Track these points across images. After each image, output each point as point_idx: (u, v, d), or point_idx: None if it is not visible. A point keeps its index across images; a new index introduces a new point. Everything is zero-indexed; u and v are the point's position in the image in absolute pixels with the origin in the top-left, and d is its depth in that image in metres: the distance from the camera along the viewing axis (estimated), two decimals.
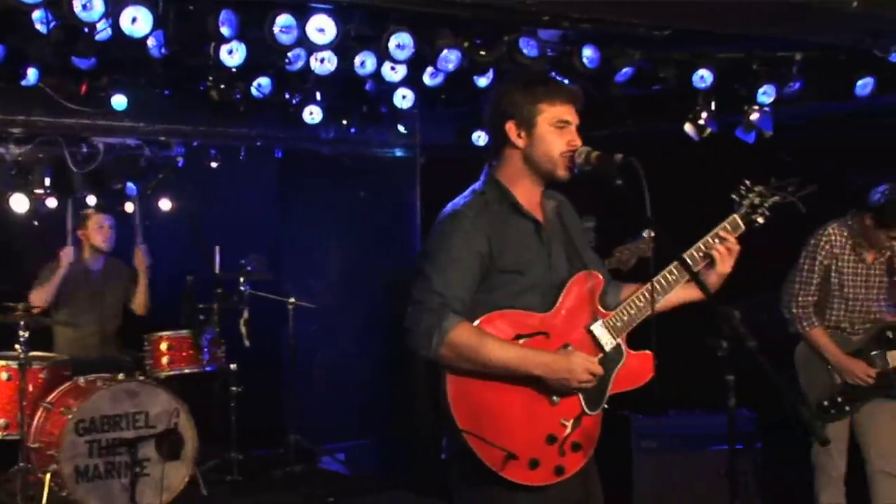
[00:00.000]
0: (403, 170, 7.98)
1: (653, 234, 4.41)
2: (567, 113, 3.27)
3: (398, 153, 8.10)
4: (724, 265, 3.43)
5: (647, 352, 3.39)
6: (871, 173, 6.85)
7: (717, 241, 3.44)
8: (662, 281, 3.38)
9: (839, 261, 5.30)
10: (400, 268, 7.56)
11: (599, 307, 3.36)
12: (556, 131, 3.25)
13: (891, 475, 5.26)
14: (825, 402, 5.31)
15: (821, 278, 5.30)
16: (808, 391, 5.35)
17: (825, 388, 5.33)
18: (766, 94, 6.26)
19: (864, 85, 6.18)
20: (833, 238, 5.31)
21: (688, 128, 6.65)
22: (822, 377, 5.33)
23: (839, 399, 5.31)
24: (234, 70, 5.53)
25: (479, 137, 7.49)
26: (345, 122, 7.17)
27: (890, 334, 5.32)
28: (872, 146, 6.87)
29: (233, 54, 5.35)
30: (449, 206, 3.30)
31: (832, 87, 6.36)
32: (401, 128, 7.47)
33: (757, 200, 3.55)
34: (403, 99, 6.53)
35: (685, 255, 3.38)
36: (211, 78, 5.87)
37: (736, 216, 3.52)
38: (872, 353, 5.29)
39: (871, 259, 5.30)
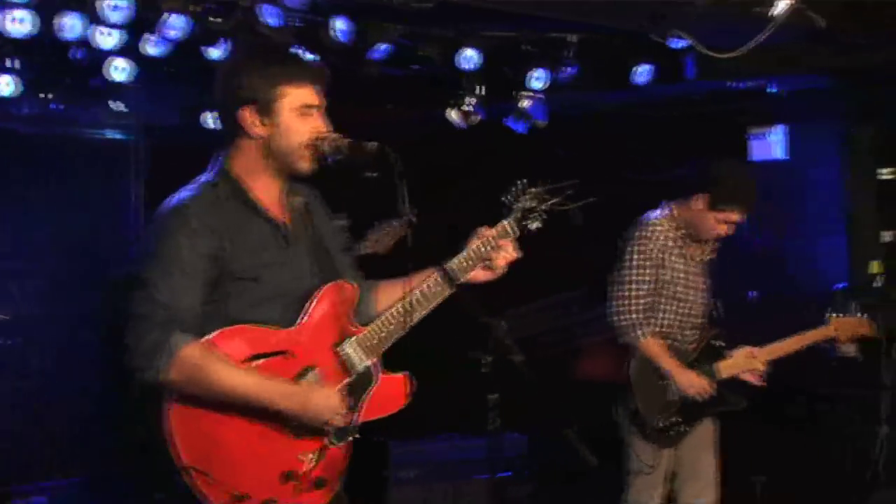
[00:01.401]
0: (121, 155, 7.72)
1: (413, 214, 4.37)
2: (312, 96, 3.25)
3: (114, 135, 7.82)
4: (492, 274, 3.50)
5: (402, 374, 3.41)
6: (648, 169, 7.25)
7: (485, 248, 3.50)
8: (422, 294, 3.40)
9: (669, 254, 5.32)
10: (117, 272, 7.31)
11: (351, 323, 3.36)
12: (300, 118, 3.22)
13: None
14: (662, 424, 5.29)
15: (652, 276, 5.30)
16: (645, 412, 5.27)
17: (661, 407, 5.30)
18: (538, 80, 6.45)
19: (643, 72, 6.46)
20: (660, 228, 5.32)
21: (452, 114, 6.76)
22: (658, 394, 5.30)
23: (678, 419, 5.32)
24: None
25: (210, 119, 7.34)
26: (47, 95, 6.84)
27: (717, 343, 5.43)
28: (650, 139, 7.26)
29: None
30: (172, 199, 3.21)
31: (609, 73, 6.63)
32: (117, 105, 7.21)
33: (531, 204, 3.61)
34: (120, 71, 6.29)
35: (450, 265, 3.42)
36: None
37: (507, 221, 3.58)
38: (704, 365, 5.36)
39: (695, 256, 5.39)
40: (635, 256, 5.29)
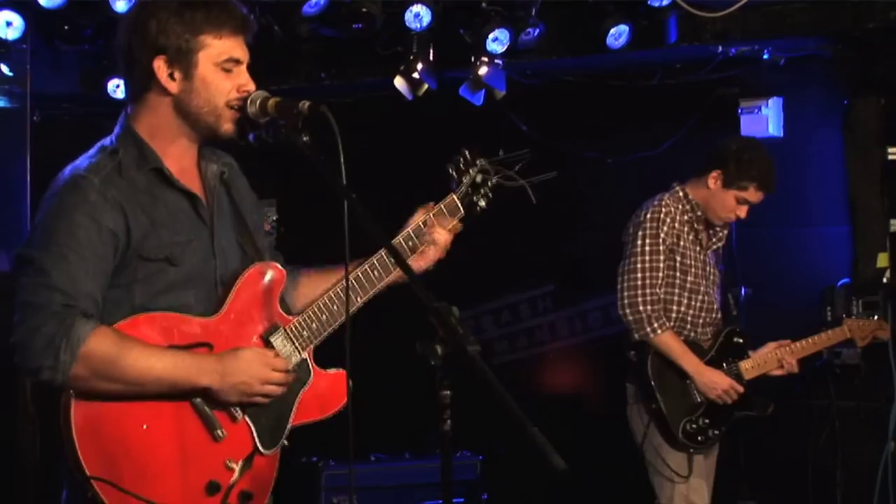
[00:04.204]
0: (7, 127, 7.64)
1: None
2: (237, 48, 3.27)
3: None
4: (436, 254, 3.57)
5: (340, 370, 3.44)
6: (620, 147, 7.31)
7: (430, 226, 3.57)
8: (362, 277, 3.45)
9: (681, 240, 5.49)
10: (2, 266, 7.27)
11: (280, 310, 3.39)
12: (222, 73, 3.24)
13: None
14: (690, 427, 5.43)
15: (666, 263, 5.46)
16: (669, 415, 5.42)
17: (688, 409, 5.46)
18: (497, 42, 6.47)
19: (618, 34, 6.50)
20: (672, 210, 5.48)
21: (399, 82, 6.76)
22: (682, 395, 5.46)
23: (705, 421, 5.46)
24: None
25: (118, 88, 7.31)
26: None
27: (738, 340, 5.62)
28: (625, 112, 7.30)
29: None
30: (67, 169, 3.22)
31: (579, 35, 6.67)
32: (3, 67, 7.15)
33: (479, 178, 3.67)
34: (7, 27, 6.25)
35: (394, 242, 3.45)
36: None
37: (454, 196, 3.64)
38: (725, 365, 5.54)
39: (705, 243, 5.59)
40: (647, 242, 5.44)
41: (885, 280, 6.52)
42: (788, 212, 6.86)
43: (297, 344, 3.36)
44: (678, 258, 5.50)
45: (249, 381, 3.18)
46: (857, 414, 6.60)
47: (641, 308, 5.40)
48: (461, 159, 3.68)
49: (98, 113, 7.31)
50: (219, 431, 3.21)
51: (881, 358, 6.35)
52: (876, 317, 6.07)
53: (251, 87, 3.27)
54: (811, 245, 6.95)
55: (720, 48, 6.69)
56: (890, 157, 6.61)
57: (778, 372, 5.68)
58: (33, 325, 3.04)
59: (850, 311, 6.39)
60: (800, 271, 6.91)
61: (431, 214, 3.59)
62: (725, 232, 5.70)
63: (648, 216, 5.48)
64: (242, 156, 3.48)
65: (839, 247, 6.82)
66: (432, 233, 3.56)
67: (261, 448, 3.29)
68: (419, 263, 3.55)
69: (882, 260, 6.62)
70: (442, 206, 3.62)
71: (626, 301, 5.44)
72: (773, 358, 5.63)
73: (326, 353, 3.48)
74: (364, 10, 6.24)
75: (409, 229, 3.56)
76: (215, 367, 3.16)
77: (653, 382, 5.43)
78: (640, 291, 5.41)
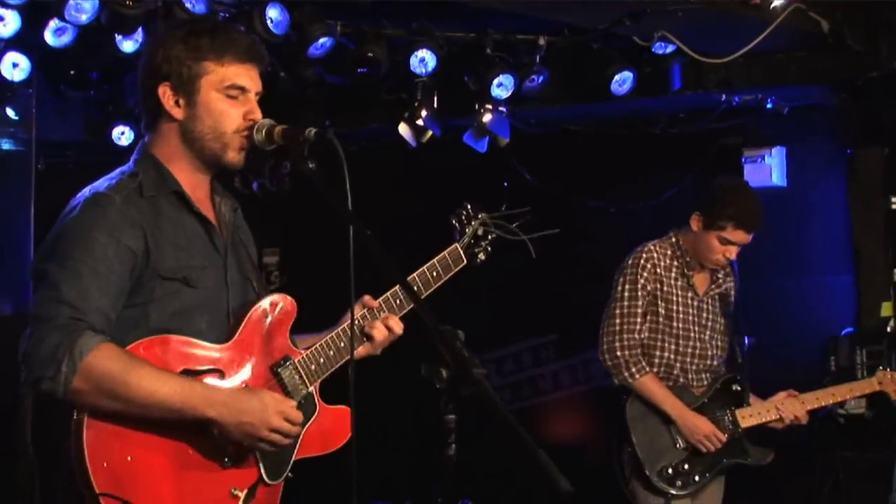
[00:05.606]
0: (12, 171, 7.61)
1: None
2: (243, 75, 3.26)
3: (3, 146, 7.73)
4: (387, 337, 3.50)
5: (344, 407, 3.39)
6: (623, 196, 7.27)
7: (441, 269, 3.59)
8: (369, 316, 3.45)
9: (665, 285, 5.44)
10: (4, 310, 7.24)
11: (290, 343, 3.37)
12: (226, 101, 3.24)
13: None
14: (668, 471, 5.34)
15: (646, 308, 5.42)
16: (646, 459, 5.33)
17: (667, 454, 5.37)
18: (502, 87, 6.46)
19: (622, 81, 6.50)
20: (655, 256, 5.44)
21: (403, 129, 6.74)
22: (662, 439, 5.38)
23: (685, 467, 5.37)
24: None
25: (123, 135, 7.27)
26: None
27: (736, 388, 5.52)
28: (628, 160, 7.28)
29: None
30: (87, 189, 3.22)
31: (583, 81, 6.68)
32: (9, 111, 7.12)
33: (480, 231, 3.71)
34: (14, 69, 6.23)
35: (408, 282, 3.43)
36: None
37: (457, 246, 3.67)
38: (718, 412, 5.45)
39: (701, 289, 5.52)
40: (626, 288, 5.43)
41: (889, 329, 6.47)
42: (792, 261, 6.84)
43: (304, 377, 3.33)
44: (663, 303, 5.46)
45: (258, 424, 3.13)
46: (862, 464, 6.50)
47: (619, 353, 5.37)
48: (464, 212, 3.72)
49: (102, 161, 7.26)
50: (226, 459, 3.16)
51: (886, 407, 6.26)
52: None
53: (257, 115, 3.26)
54: (815, 294, 6.92)
55: (724, 97, 6.69)
56: (893, 206, 6.61)
57: (778, 426, 5.57)
58: (39, 336, 3.02)
59: (854, 361, 6.33)
60: (803, 321, 6.88)
61: (438, 262, 3.61)
62: (730, 280, 5.63)
63: (630, 262, 5.48)
64: (246, 204, 3.47)
65: (843, 296, 6.79)
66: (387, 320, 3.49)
67: (266, 478, 3.24)
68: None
69: (886, 309, 6.60)
70: (447, 255, 3.64)
71: (604, 346, 5.43)
72: (773, 410, 5.53)
73: (332, 388, 3.44)
74: (369, 54, 6.22)
75: (428, 266, 3.58)
76: (226, 400, 3.12)
77: (629, 425, 5.38)
78: (617, 336, 5.39)
